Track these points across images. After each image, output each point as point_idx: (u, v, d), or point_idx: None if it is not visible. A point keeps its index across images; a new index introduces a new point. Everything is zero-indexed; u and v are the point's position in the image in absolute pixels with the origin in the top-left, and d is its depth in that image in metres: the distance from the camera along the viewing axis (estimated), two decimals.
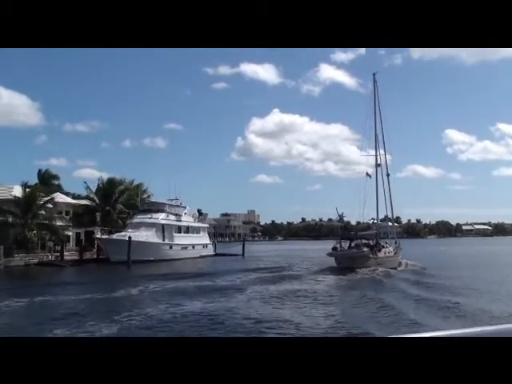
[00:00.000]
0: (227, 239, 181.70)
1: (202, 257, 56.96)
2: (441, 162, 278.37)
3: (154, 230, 50.97)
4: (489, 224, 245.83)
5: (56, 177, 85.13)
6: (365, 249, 37.57)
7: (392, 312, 18.71)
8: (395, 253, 40.47)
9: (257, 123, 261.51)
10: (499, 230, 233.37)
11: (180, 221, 56.41)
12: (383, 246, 39.55)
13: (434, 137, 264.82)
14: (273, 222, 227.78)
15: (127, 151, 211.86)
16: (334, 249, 38.46)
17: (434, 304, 20.55)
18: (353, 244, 38.96)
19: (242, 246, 64.89)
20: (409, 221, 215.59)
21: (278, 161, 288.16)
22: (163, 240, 51.98)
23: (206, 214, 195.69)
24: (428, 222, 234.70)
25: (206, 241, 63.18)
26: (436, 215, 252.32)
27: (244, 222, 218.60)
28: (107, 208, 52.99)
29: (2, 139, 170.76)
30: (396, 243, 41.96)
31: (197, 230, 60.80)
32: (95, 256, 48.59)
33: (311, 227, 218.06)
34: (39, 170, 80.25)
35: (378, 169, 42.37)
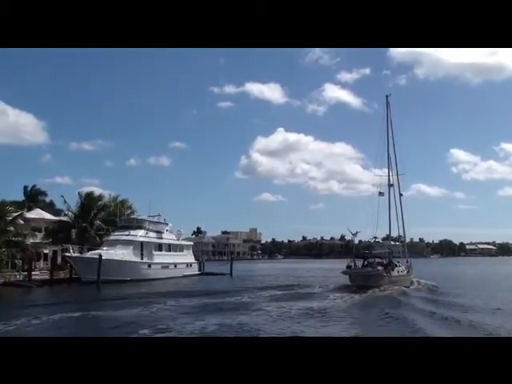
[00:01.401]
0: (225, 257, 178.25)
1: (185, 276, 53.08)
2: (445, 181, 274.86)
3: (132, 247, 47.10)
4: (493, 244, 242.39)
5: (43, 193, 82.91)
6: (379, 267, 37.75)
7: (417, 329, 18.42)
8: (408, 272, 40.76)
9: (261, 142, 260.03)
10: (504, 249, 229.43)
11: (161, 238, 52.60)
12: (396, 265, 39.57)
13: (438, 156, 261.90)
14: (273, 240, 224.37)
15: (132, 170, 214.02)
16: (349, 267, 38.66)
17: (456, 321, 20.49)
18: (366, 262, 39.21)
19: (232, 264, 61.71)
20: (411, 239, 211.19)
21: (281, 179, 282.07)
22: (141, 258, 48.03)
23: (205, 232, 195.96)
24: (431, 241, 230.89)
25: (191, 259, 59.02)
26: (439, 234, 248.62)
27: (245, 241, 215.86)
28: (84, 224, 50.07)
29: (7, 157, 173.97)
30: (407, 262, 42.09)
31: (180, 248, 56.78)
32: (69, 275, 45.62)
33: (312, 246, 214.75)
34: (25, 187, 78.43)
35: (387, 188, 42.69)
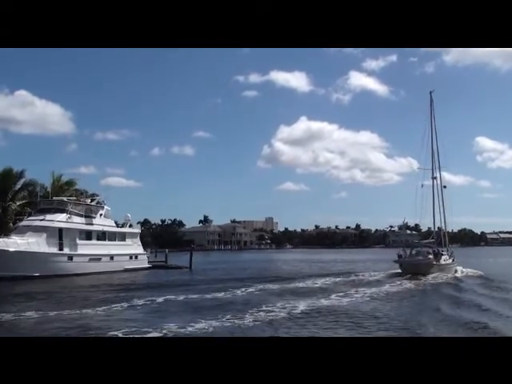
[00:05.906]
0: (229, 247, 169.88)
1: (126, 270, 42.54)
2: (470, 169, 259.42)
3: (45, 235, 36.49)
4: None
5: None
6: (430, 256, 39.51)
7: (485, 308, 20.08)
8: (452, 260, 42.18)
9: (284, 131, 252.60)
10: None
11: (91, 224, 41.67)
12: (441, 254, 40.65)
13: (464, 144, 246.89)
14: (286, 229, 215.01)
15: (155, 159, 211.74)
16: (399, 256, 40.21)
17: None
18: (414, 251, 40.96)
19: (191, 256, 52.71)
20: (429, 228, 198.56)
21: (304, 168, 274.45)
22: (60, 249, 37.35)
23: (211, 221, 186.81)
24: (450, 230, 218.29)
25: (136, 250, 47.39)
26: (461, 223, 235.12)
27: (256, 230, 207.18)
28: None
29: (34, 147, 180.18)
30: (448, 251, 43.26)
31: (120, 237, 45.35)
32: None
33: (324, 235, 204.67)
34: None
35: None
